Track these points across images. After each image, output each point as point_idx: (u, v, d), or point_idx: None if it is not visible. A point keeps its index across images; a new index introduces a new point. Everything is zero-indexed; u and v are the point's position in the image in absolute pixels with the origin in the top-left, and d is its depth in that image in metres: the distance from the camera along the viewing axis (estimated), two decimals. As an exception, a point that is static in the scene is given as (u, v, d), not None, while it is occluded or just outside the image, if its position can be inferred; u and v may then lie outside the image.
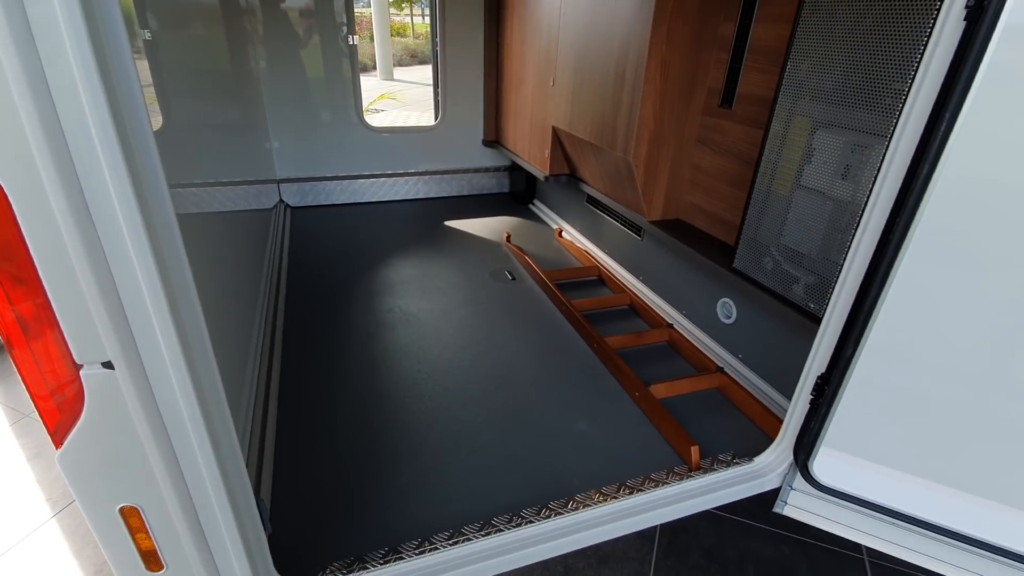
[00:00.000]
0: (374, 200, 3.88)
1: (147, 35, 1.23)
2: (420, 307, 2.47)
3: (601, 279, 2.77)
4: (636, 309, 2.48)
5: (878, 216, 1.19)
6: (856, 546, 2.01)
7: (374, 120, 4.39)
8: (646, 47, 2.01)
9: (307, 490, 1.53)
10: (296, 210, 3.67)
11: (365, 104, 4.02)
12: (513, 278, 2.74)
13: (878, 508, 1.42)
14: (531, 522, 1.38)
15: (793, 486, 1.54)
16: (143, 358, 0.84)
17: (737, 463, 1.59)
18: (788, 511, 1.58)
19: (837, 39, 1.46)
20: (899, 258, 1.16)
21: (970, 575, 1.41)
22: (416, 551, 1.32)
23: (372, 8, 15.23)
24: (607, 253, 2.88)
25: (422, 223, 3.52)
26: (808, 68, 1.56)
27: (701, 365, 2.06)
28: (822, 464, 1.47)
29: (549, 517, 1.39)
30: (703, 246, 2.10)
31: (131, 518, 0.94)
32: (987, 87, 0.99)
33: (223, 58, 2.27)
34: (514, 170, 4.00)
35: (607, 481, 1.56)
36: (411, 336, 2.25)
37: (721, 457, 1.64)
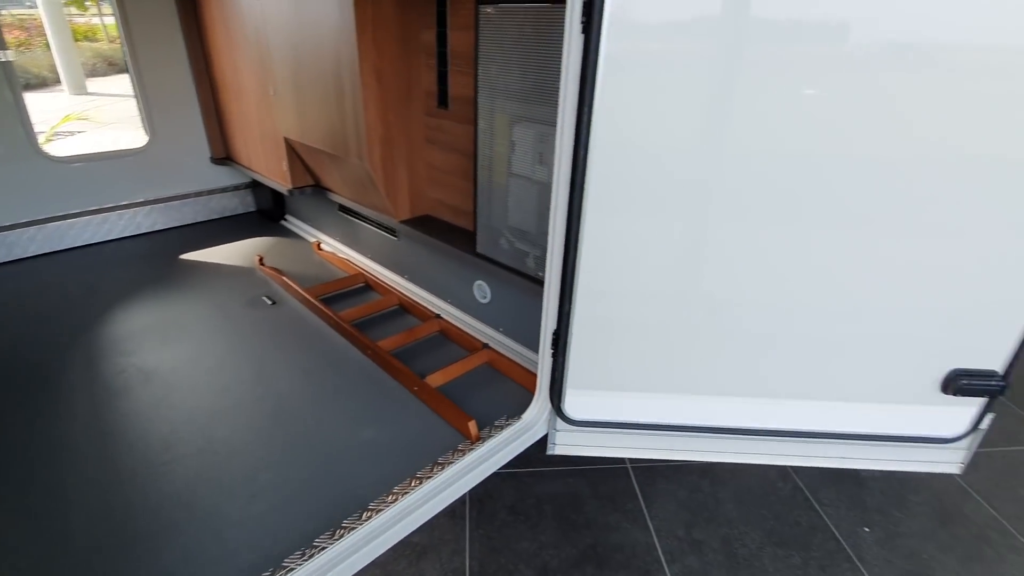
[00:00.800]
0: (79, 245, 3.19)
1: None
2: (162, 359, 2.15)
3: (368, 285, 2.77)
4: (405, 307, 2.56)
5: (563, 189, 1.43)
6: (620, 460, 2.43)
7: (63, 147, 3.58)
8: (356, 55, 2.04)
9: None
10: (-40, 275, 2.83)
11: (46, 129, 3.25)
12: (273, 303, 2.57)
13: (621, 425, 1.75)
14: (324, 548, 1.35)
15: (556, 428, 1.80)
16: None
17: (510, 423, 1.79)
18: (558, 450, 1.84)
19: (510, 46, 1.70)
20: (582, 218, 1.41)
21: (701, 453, 1.78)
22: (197, 628, 1.19)
23: (40, 9, 12.14)
24: (369, 258, 2.89)
25: (151, 262, 3.04)
26: (496, 71, 1.78)
27: (470, 346, 2.23)
28: (573, 404, 1.73)
29: (342, 537, 1.38)
30: (451, 237, 2.26)
31: None
32: (604, 76, 1.27)
33: None
34: (257, 186, 3.70)
35: (400, 480, 1.60)
36: (154, 394, 1.95)
37: (497, 423, 1.82)
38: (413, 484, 1.55)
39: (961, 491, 2.19)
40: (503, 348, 2.20)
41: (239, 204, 3.75)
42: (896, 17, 1.18)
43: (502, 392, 2.02)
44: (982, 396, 1.53)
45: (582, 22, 1.26)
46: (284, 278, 2.70)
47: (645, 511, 2.15)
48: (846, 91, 1.25)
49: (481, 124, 1.89)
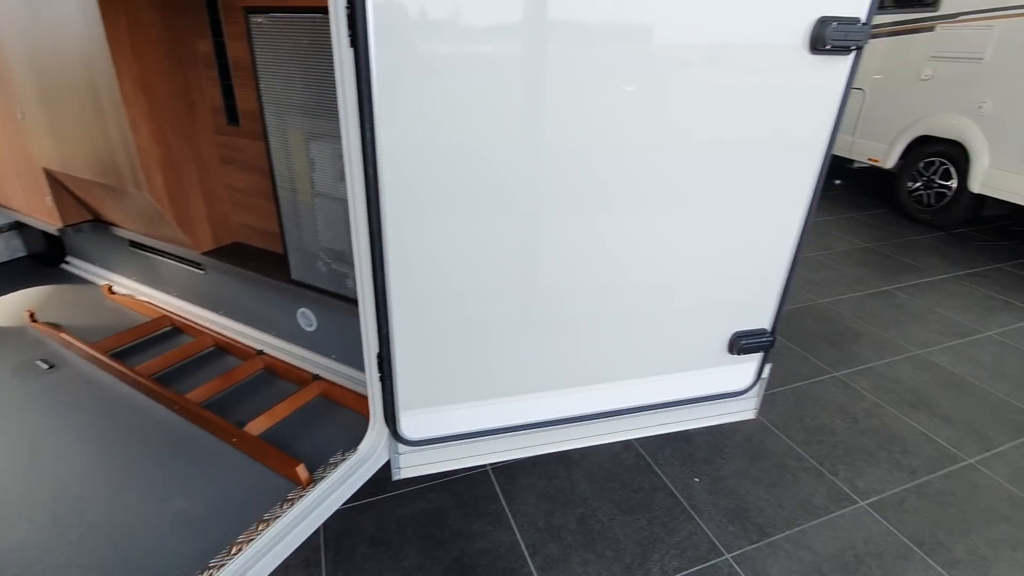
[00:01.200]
0: None
1: None
2: None
3: (176, 328, 2.44)
4: (223, 348, 2.29)
5: (360, 205, 1.35)
6: (481, 464, 2.44)
7: None
8: (111, 70, 1.76)
9: None
10: None
11: None
12: (51, 367, 2.14)
13: (461, 436, 1.73)
14: (120, 655, 1.15)
15: (398, 452, 1.73)
16: None
17: (346, 458, 1.68)
18: (403, 474, 1.78)
19: (288, 58, 1.58)
20: (383, 233, 1.36)
21: (541, 447, 1.83)
22: None
23: None
24: (176, 296, 2.55)
25: None
26: (279, 84, 1.65)
27: (299, 380, 2.06)
28: (409, 424, 1.68)
29: (142, 636, 1.19)
30: (264, 264, 2.07)
31: None
32: (380, 87, 1.22)
33: None
34: (24, 227, 3.08)
35: (219, 549, 1.42)
36: None
37: (332, 460, 1.71)
38: (233, 551, 1.39)
39: (764, 429, 2.55)
40: (337, 376, 2.07)
41: (3, 249, 3.09)
42: (678, 21, 1.29)
43: (339, 424, 1.90)
44: (758, 352, 1.77)
45: (348, 36, 1.20)
46: (64, 334, 2.27)
47: (507, 510, 2.18)
48: (632, 87, 1.34)
49: (273, 142, 1.74)
